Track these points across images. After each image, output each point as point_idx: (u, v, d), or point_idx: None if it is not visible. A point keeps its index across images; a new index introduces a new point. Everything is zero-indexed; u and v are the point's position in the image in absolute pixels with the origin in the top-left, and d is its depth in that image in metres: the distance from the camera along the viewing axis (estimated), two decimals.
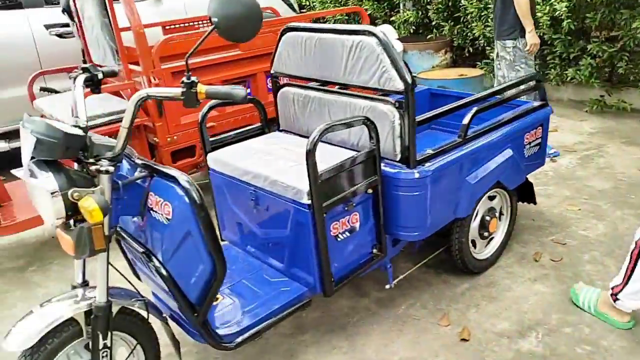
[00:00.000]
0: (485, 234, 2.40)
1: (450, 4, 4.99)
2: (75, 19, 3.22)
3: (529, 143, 2.44)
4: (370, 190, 1.91)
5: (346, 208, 1.86)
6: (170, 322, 1.81)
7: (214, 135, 2.28)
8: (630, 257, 1.93)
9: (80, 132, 1.44)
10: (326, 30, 2.02)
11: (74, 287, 1.67)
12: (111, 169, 1.47)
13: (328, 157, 1.85)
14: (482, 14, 4.61)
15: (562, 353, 1.94)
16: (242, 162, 2.02)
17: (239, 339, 1.72)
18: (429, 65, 5.00)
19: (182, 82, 1.38)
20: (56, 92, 3.27)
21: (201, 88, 1.39)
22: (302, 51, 2.16)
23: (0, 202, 2.73)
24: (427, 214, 1.99)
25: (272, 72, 2.37)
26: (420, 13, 5.35)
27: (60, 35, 3.89)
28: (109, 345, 1.59)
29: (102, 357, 1.58)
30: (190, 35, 3.00)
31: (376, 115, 1.91)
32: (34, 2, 3.86)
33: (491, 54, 4.84)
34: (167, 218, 1.52)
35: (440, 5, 5.04)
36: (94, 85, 1.75)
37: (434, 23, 5.19)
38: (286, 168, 1.91)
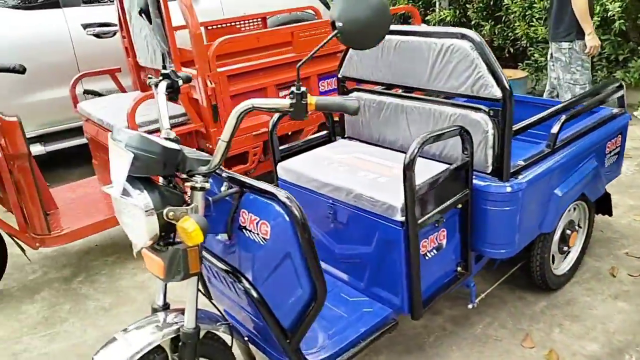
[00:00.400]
0: (565, 248, 2.27)
1: (491, 3, 4.84)
2: (121, 20, 3.12)
3: (610, 152, 2.31)
4: (459, 205, 1.79)
5: (436, 224, 1.73)
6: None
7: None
8: None
9: (177, 147, 1.32)
10: (410, 33, 1.89)
11: (154, 310, 1.56)
12: (207, 185, 1.36)
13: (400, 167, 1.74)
14: (527, 13, 4.46)
15: None
16: (319, 174, 1.89)
17: None
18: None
19: (292, 92, 1.26)
20: (100, 94, 3.16)
21: (311, 99, 1.27)
22: (378, 54, 2.03)
23: (47, 210, 2.62)
24: (517, 229, 1.86)
25: (339, 75, 2.25)
26: (458, 12, 5.21)
27: (97, 35, 3.80)
28: None
29: None
30: (246, 36, 2.88)
31: (466, 124, 1.78)
32: (72, 1, 3.76)
33: (533, 55, 4.70)
34: (264, 238, 1.40)
35: (480, 4, 4.90)
36: (173, 92, 1.64)
37: (472, 22, 5.04)
38: (371, 181, 1.78)
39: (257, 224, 1.42)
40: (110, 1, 3.93)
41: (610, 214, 2.49)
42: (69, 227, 2.59)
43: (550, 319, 2.16)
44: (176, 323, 1.46)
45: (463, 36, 1.72)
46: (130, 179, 1.30)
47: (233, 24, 3.65)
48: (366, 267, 1.83)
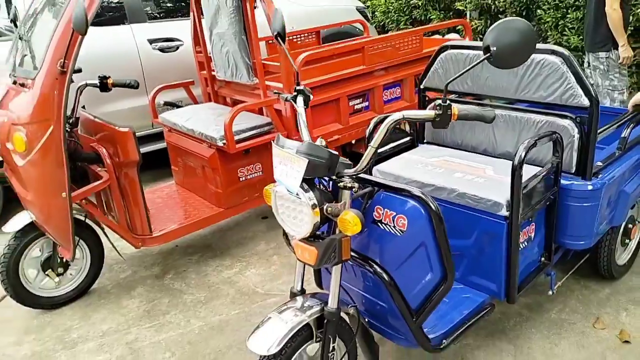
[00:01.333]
0: (627, 240, 2.50)
1: (523, 13, 5.09)
2: (198, 37, 3.37)
3: None
4: (548, 202, 2.03)
5: (530, 219, 1.97)
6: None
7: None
8: None
9: (335, 152, 1.55)
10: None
11: (293, 295, 1.79)
12: (355, 185, 1.59)
13: (492, 168, 1.99)
14: (559, 23, 4.71)
15: None
16: (417, 175, 2.13)
17: (445, 342, 1.84)
18: None
19: (439, 105, 1.49)
20: (178, 106, 3.41)
21: (455, 110, 1.50)
22: (463, 68, 2.27)
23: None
24: (596, 223, 2.10)
25: (422, 86, 2.49)
26: (489, 22, 5.46)
27: (162, 50, 4.04)
28: (335, 348, 1.72)
29: (331, 359, 1.71)
30: (326, 51, 3.13)
31: (553, 129, 2.02)
32: (138, 18, 4.01)
33: None
34: (400, 230, 1.64)
35: (513, 14, 5.14)
36: (305, 104, 1.88)
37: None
38: (469, 182, 2.02)
39: (393, 217, 1.65)
40: (173, 18, 4.20)
41: None
42: (164, 228, 2.82)
43: (616, 304, 2.39)
44: (317, 304, 1.69)
45: (553, 52, 1.97)
46: (298, 183, 1.54)
47: (291, 37, 3.91)
48: (464, 259, 2.06)
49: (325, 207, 1.54)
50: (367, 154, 1.58)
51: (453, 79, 1.51)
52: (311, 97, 1.89)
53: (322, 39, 4.15)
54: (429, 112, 1.52)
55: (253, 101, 2.94)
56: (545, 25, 4.84)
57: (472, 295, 2.04)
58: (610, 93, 3.71)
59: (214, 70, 3.38)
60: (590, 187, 2.04)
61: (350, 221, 1.50)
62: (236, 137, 2.75)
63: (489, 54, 1.42)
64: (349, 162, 1.64)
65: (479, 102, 2.34)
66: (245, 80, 3.04)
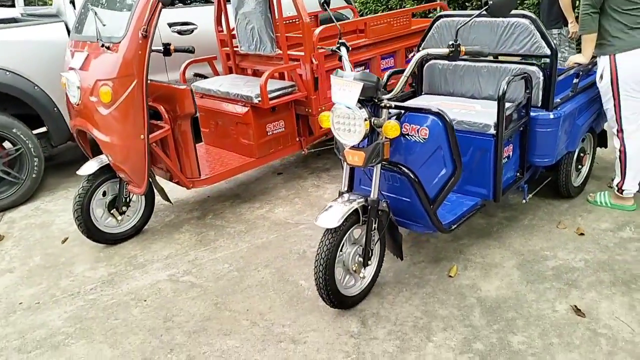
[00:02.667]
0: (579, 166, 3.25)
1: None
2: (220, 18, 3.94)
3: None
4: (521, 128, 2.73)
5: (509, 139, 2.66)
6: None
7: None
8: (620, 160, 2.97)
9: (378, 77, 2.19)
10: (481, 16, 2.82)
11: (341, 193, 2.41)
12: (392, 105, 2.24)
13: (480, 106, 2.67)
14: (519, 7, 5.51)
15: None
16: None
17: (453, 226, 2.51)
18: None
19: (451, 44, 2.14)
20: (205, 77, 3.96)
21: (462, 49, 2.16)
22: (454, 31, 2.95)
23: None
24: (556, 145, 2.81)
25: (421, 48, 3.15)
26: (457, 7, 6.23)
27: (179, 32, 4.57)
28: (376, 228, 2.35)
29: (371, 238, 2.35)
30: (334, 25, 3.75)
31: (529, 73, 2.71)
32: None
33: None
34: (423, 138, 2.29)
35: (479, 2, 5.93)
36: (347, 50, 2.51)
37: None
38: (464, 114, 2.69)
39: (417, 130, 2.30)
40: (189, 5, 4.73)
41: (606, 146, 3.49)
42: (209, 173, 3.39)
43: (574, 213, 3.12)
44: (361, 197, 2.31)
45: (524, 16, 2.67)
46: (355, 101, 2.16)
47: (295, 20, 4.51)
48: (462, 172, 2.73)
49: (372, 120, 2.18)
50: (400, 84, 2.23)
51: (463, 25, 2.17)
52: (350, 47, 2.51)
53: (320, 21, 4.78)
54: (445, 50, 2.18)
55: (278, 68, 3.53)
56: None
57: (468, 199, 2.72)
58: (562, 63, 4.50)
59: (236, 46, 3.95)
60: (552, 116, 2.75)
61: (392, 127, 2.14)
62: (271, 97, 3.34)
63: (488, 6, 2.09)
64: (384, 92, 2.28)
65: (465, 58, 3.02)
66: (269, 52, 3.63)
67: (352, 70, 2.37)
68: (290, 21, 4.27)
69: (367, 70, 2.28)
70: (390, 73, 2.96)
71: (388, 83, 2.94)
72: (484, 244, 2.89)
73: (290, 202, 3.67)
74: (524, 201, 2.99)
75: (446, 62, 3.08)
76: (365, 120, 2.15)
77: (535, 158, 2.85)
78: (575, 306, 2.32)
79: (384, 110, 2.23)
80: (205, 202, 3.79)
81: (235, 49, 3.99)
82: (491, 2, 2.08)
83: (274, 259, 2.96)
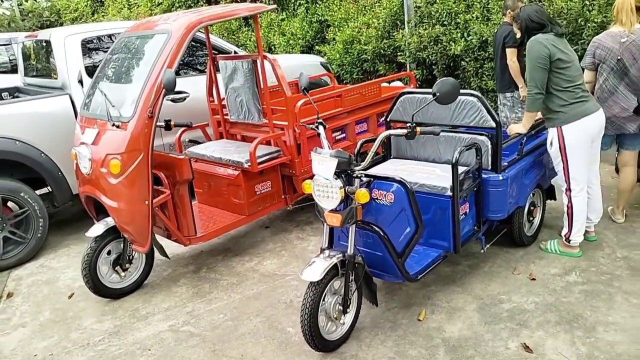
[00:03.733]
0: (531, 218, 3.71)
1: (451, 64, 6.51)
2: (211, 89, 4.42)
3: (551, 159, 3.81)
4: (475, 188, 3.19)
5: (465, 199, 3.11)
6: None
7: None
8: (567, 215, 3.44)
9: (350, 154, 2.63)
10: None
11: (322, 250, 2.81)
12: (363, 175, 2.68)
13: (439, 170, 3.13)
14: (478, 71, 6.12)
15: (594, 280, 3.23)
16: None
17: (420, 276, 2.91)
18: None
19: (409, 126, 2.61)
20: (198, 142, 4.39)
21: (418, 129, 2.63)
22: (415, 107, 3.45)
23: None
24: (507, 201, 3.27)
25: (388, 119, 3.64)
26: (425, 71, 6.85)
27: (173, 101, 5.01)
28: (353, 279, 2.74)
29: (349, 288, 2.73)
30: (316, 98, 4.25)
31: (475, 142, 3.20)
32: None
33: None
34: (390, 202, 2.73)
35: (443, 65, 6.55)
36: (324, 129, 2.96)
37: (437, 80, 6.67)
38: (425, 177, 3.14)
39: (385, 195, 2.74)
40: (181, 76, 5.21)
41: (555, 199, 3.97)
42: (204, 231, 3.77)
43: (527, 259, 3.55)
44: (340, 252, 2.71)
45: (472, 94, 3.18)
46: (331, 174, 2.59)
47: (277, 89, 5.02)
48: (426, 228, 3.16)
49: (346, 188, 2.61)
50: (368, 157, 2.69)
51: (417, 112, 2.65)
52: (326, 125, 2.97)
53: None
54: (404, 131, 2.65)
55: (265, 136, 3.98)
56: (468, 73, 6.24)
57: (432, 251, 3.14)
58: (517, 122, 5.04)
59: (226, 115, 4.42)
60: (501, 178, 3.22)
61: (362, 194, 2.57)
62: (259, 162, 3.78)
63: (435, 97, 2.58)
64: (358, 163, 2.73)
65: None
66: (256, 121, 4.10)
67: (329, 147, 2.82)
68: (276, 89, 4.77)
69: (341, 149, 2.70)
70: (362, 142, 3.43)
71: (361, 151, 3.41)
72: (449, 290, 3.29)
73: (277, 254, 4.04)
74: (482, 251, 3.42)
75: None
76: (341, 188, 2.59)
77: (490, 213, 3.30)
78: (525, 344, 2.71)
79: (356, 180, 2.67)
80: (199, 257, 4.15)
81: (225, 117, 4.45)
82: (438, 93, 2.57)
83: (264, 308, 3.31)
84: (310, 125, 3.03)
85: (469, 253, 3.67)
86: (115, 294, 3.58)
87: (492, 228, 3.56)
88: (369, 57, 7.26)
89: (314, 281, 2.60)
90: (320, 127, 2.94)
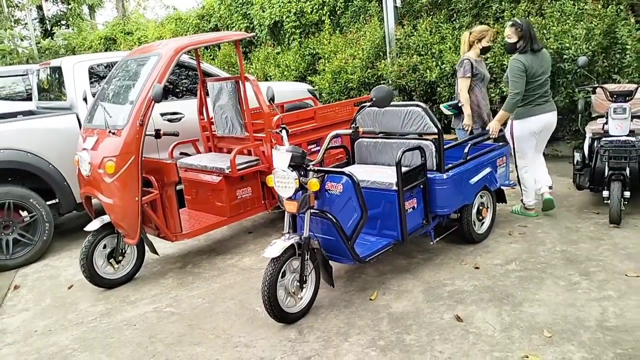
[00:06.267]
0: (480, 217, 4.14)
1: (429, 91, 7.06)
2: (202, 109, 4.98)
3: (500, 165, 4.27)
4: (421, 186, 3.64)
5: (411, 195, 3.57)
6: None
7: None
8: (520, 184, 4.27)
9: (304, 150, 3.12)
10: (392, 106, 3.85)
11: (283, 234, 3.26)
12: (315, 169, 3.16)
13: (390, 171, 3.60)
14: (452, 96, 6.64)
15: (531, 268, 3.63)
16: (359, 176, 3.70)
17: (368, 258, 3.34)
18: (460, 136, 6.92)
19: (353, 127, 3.10)
20: (189, 155, 4.92)
21: (360, 129, 3.12)
22: (373, 118, 3.96)
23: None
24: (452, 198, 3.72)
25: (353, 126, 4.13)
26: (405, 97, 7.40)
27: (170, 120, 5.59)
28: (307, 264, 3.18)
29: (306, 267, 3.17)
30: (292, 115, 4.78)
31: (422, 146, 3.67)
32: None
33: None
34: (339, 192, 3.20)
35: (421, 92, 7.11)
36: (287, 133, 3.46)
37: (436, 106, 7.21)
38: (379, 176, 3.61)
39: (335, 186, 3.21)
40: (178, 99, 5.78)
41: (505, 202, 4.41)
42: (189, 229, 4.24)
43: (475, 253, 3.96)
44: (298, 235, 3.16)
45: (417, 105, 3.68)
46: (286, 165, 3.08)
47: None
48: (378, 219, 3.61)
49: (300, 179, 3.09)
50: (320, 154, 3.18)
51: (359, 111, 3.15)
52: (289, 131, 3.48)
53: (286, 109, 5.84)
54: (349, 130, 3.14)
55: (245, 145, 4.50)
56: (444, 98, 6.77)
57: (383, 240, 3.56)
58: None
59: (214, 131, 4.96)
60: (445, 177, 3.68)
61: (313, 183, 3.05)
62: (238, 168, 4.28)
63: (372, 102, 3.08)
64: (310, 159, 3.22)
65: (382, 137, 4.01)
66: (239, 134, 4.62)
67: (288, 143, 3.32)
68: (258, 111, 5.32)
69: (297, 146, 3.19)
70: (325, 149, 3.92)
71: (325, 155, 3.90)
72: (402, 277, 3.70)
73: (257, 253, 4.48)
74: (431, 243, 3.85)
75: (370, 139, 4.07)
76: (295, 179, 3.06)
77: (437, 209, 3.74)
78: (457, 315, 3.11)
79: (310, 172, 3.15)
80: (187, 256, 4.60)
81: (213, 132, 4.98)
82: (374, 99, 3.08)
83: (238, 294, 3.74)
84: (275, 130, 3.54)
85: (424, 248, 4.10)
86: (109, 284, 4.03)
87: (442, 224, 4.00)
88: (355, 86, 7.85)
89: (273, 257, 3.05)
90: (283, 131, 3.44)
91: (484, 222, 4.23)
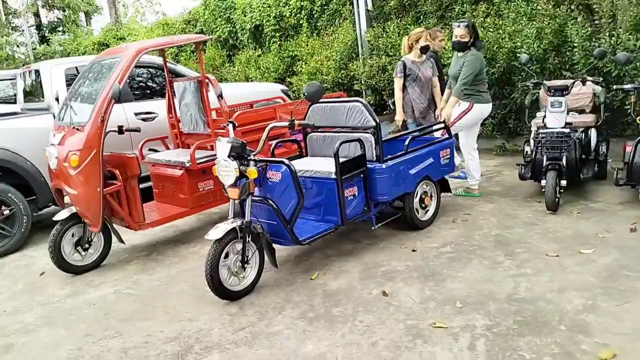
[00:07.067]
0: (423, 205, 4.42)
1: None
2: (171, 108, 5.29)
3: (443, 157, 4.55)
4: (362, 175, 3.93)
5: (351, 183, 3.85)
6: None
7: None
8: (467, 167, 4.58)
9: (244, 141, 3.42)
10: (336, 102, 4.14)
11: (227, 218, 3.55)
12: (255, 159, 3.45)
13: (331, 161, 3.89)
14: None
15: (462, 250, 3.91)
16: (301, 165, 3.99)
17: (308, 241, 3.63)
18: (386, 131, 7.23)
19: (290, 120, 3.40)
20: (157, 151, 5.23)
21: (297, 122, 3.41)
22: (321, 113, 4.26)
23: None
24: (391, 187, 4.01)
25: (314, 125, 4.43)
26: (377, 97, 7.70)
27: (143, 119, 5.90)
28: (248, 241, 3.47)
29: (247, 248, 3.46)
30: (250, 111, 5.08)
31: (362, 139, 3.97)
32: (127, 99, 5.86)
33: None
34: (278, 179, 3.49)
35: (390, 90, 7.40)
36: (234, 127, 3.76)
37: (387, 103, 7.52)
38: (321, 166, 3.90)
39: (275, 174, 3.51)
40: (151, 99, 6.10)
41: (449, 191, 4.69)
42: (152, 219, 4.54)
43: (416, 238, 4.24)
44: (240, 220, 3.45)
45: (358, 101, 3.97)
46: (226, 155, 3.38)
47: (235, 109, 5.88)
48: (321, 206, 3.89)
49: (241, 168, 3.39)
50: (260, 145, 3.47)
51: (294, 106, 3.45)
52: (236, 124, 3.77)
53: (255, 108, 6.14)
54: (286, 123, 3.43)
55: (204, 140, 4.80)
56: None
57: (324, 225, 3.85)
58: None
59: (181, 128, 5.26)
60: (384, 167, 3.97)
61: (251, 171, 3.35)
62: (198, 162, 4.58)
63: (305, 96, 3.38)
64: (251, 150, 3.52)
65: (328, 130, 4.31)
66: (202, 131, 4.93)
67: (233, 135, 3.62)
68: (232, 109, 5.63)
69: (238, 138, 3.49)
70: (276, 142, 4.23)
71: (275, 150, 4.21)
72: (344, 259, 3.99)
73: None
74: (372, 228, 4.14)
75: (319, 133, 4.36)
76: (236, 168, 3.36)
77: (377, 196, 4.03)
78: (384, 291, 3.39)
79: (251, 162, 3.45)
80: (154, 246, 4.90)
81: (181, 130, 5.29)
82: (307, 94, 3.38)
83: (194, 277, 4.03)
84: (223, 124, 3.84)
85: (371, 234, 4.38)
86: (76, 270, 4.32)
87: (385, 211, 4.28)
88: (329, 86, 8.16)
89: (215, 239, 3.34)
90: (230, 126, 3.74)
91: (427, 210, 4.51)
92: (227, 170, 3.40)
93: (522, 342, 2.69)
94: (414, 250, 4.00)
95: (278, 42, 9.61)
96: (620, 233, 3.89)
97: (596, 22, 5.99)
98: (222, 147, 3.40)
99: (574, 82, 4.71)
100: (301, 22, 9.34)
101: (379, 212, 4.25)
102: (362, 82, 7.68)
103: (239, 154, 3.43)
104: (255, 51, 10.02)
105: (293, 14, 9.43)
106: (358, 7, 7.99)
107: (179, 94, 5.11)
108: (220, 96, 3.97)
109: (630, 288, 3.11)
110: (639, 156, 4.11)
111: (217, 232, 3.34)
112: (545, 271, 3.44)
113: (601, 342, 2.63)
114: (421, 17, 7.58)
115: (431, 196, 4.53)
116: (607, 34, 5.74)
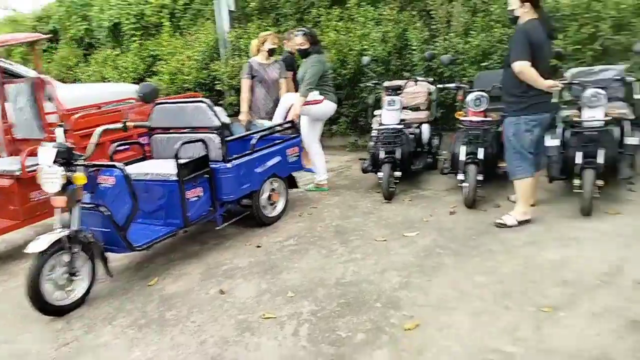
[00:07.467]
0: (272, 202, 4.55)
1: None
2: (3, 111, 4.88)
3: (291, 155, 4.71)
4: (206, 175, 3.95)
5: (194, 184, 3.85)
6: None
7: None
8: (313, 163, 4.70)
9: (70, 146, 3.27)
10: (180, 102, 4.11)
11: (52, 229, 3.37)
12: (85, 164, 3.32)
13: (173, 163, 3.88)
14: None
15: (304, 242, 4.09)
16: (139, 170, 3.89)
17: (144, 246, 3.57)
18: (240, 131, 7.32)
19: (124, 122, 3.31)
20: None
21: (131, 125, 3.34)
22: (165, 114, 4.20)
23: None
24: (237, 186, 4.08)
25: (150, 125, 4.34)
26: (239, 97, 7.74)
27: None
28: (77, 252, 3.31)
29: (74, 259, 3.30)
30: (90, 114, 4.85)
31: (206, 139, 3.98)
32: None
33: None
34: (111, 184, 3.39)
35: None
36: (65, 132, 3.57)
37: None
38: (160, 168, 3.85)
39: (107, 179, 3.40)
40: None
41: (296, 187, 4.89)
42: None
43: (262, 234, 4.33)
44: (66, 230, 3.28)
45: (201, 101, 3.99)
46: (51, 161, 3.21)
47: (81, 111, 5.55)
48: (162, 209, 3.85)
49: (68, 174, 3.23)
50: (88, 150, 3.35)
51: (126, 117, 3.37)
52: (67, 128, 3.60)
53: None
54: (120, 125, 3.35)
55: (36, 145, 4.49)
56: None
57: (164, 228, 3.81)
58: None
59: (14, 134, 4.88)
60: (229, 166, 4.02)
61: (78, 177, 3.20)
62: (28, 170, 4.27)
63: (141, 97, 3.33)
64: (82, 154, 3.37)
65: (170, 132, 4.27)
66: (38, 135, 4.62)
67: (63, 139, 3.43)
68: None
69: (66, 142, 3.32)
70: (116, 145, 4.09)
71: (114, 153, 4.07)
72: (188, 262, 3.96)
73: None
74: (217, 228, 4.19)
75: (163, 134, 4.30)
76: (63, 174, 3.20)
77: (223, 196, 4.07)
78: (221, 289, 3.44)
79: (79, 167, 3.31)
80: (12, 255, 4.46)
81: (14, 136, 4.91)
82: (142, 94, 3.34)
83: (20, 295, 3.66)
84: (52, 128, 3.64)
85: (218, 234, 4.41)
86: None
87: (232, 210, 4.35)
88: (191, 87, 8.03)
89: (38, 252, 3.14)
90: (60, 129, 3.53)
91: (276, 207, 4.65)
92: (51, 177, 3.22)
93: (340, 322, 2.90)
94: (258, 246, 4.11)
95: (138, 41, 9.25)
96: (441, 216, 4.34)
97: (433, 27, 6.57)
98: (46, 152, 3.21)
99: (406, 82, 5.14)
100: (163, 21, 9.07)
101: (227, 211, 4.30)
102: (224, 82, 7.68)
103: (65, 159, 3.27)
104: (113, 50, 9.55)
105: (154, 13, 9.14)
106: (219, 8, 7.96)
107: (12, 98, 4.73)
108: (50, 99, 3.75)
109: (440, 264, 3.49)
110: (457, 147, 4.59)
111: (39, 244, 3.14)
112: (372, 255, 3.73)
113: (408, 315, 2.92)
114: (280, 19, 7.76)
115: (279, 193, 4.68)
116: (442, 38, 6.34)
